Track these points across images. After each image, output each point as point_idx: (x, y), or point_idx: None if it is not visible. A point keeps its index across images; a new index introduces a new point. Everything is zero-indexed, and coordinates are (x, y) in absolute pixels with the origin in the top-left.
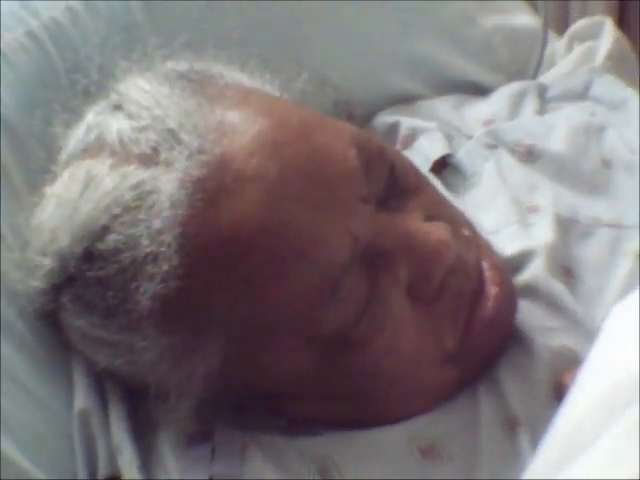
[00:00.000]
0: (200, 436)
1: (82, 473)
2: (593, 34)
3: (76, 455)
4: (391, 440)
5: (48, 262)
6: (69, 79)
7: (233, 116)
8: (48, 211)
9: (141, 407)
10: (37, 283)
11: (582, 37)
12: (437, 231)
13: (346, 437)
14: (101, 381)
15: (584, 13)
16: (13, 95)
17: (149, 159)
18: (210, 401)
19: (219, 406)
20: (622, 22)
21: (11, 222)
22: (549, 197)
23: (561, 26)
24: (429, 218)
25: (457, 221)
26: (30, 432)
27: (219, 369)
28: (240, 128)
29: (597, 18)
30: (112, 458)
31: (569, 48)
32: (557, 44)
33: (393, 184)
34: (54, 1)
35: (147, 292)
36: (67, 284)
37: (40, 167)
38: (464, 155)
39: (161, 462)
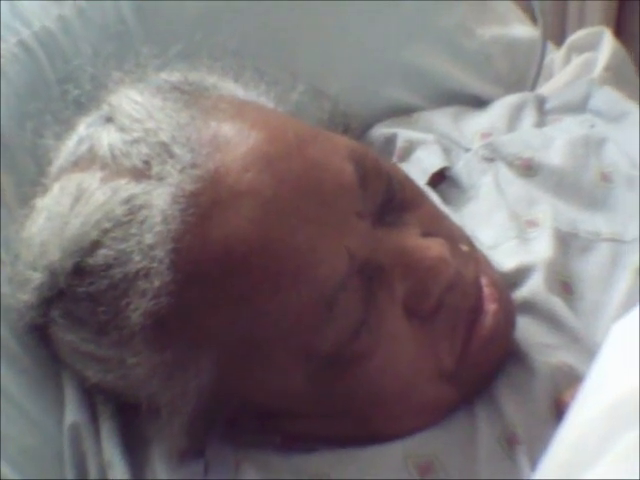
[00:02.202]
0: (193, 452)
1: None
2: (592, 45)
3: (66, 470)
4: (387, 458)
5: (38, 276)
6: (61, 89)
7: (227, 129)
8: (38, 224)
9: (133, 422)
10: (27, 297)
11: (580, 48)
12: (435, 247)
13: (342, 454)
14: (92, 395)
15: (581, 23)
16: (4, 106)
17: (141, 173)
18: (203, 417)
19: (212, 422)
20: (620, 32)
21: (2, 235)
22: (548, 211)
23: (558, 36)
24: (426, 233)
25: (455, 236)
26: (19, 446)
27: (212, 386)
28: (234, 142)
29: (596, 29)
30: (103, 474)
31: (567, 59)
32: (555, 55)
33: (390, 199)
34: (46, 10)
35: (138, 308)
36: (57, 298)
37: (31, 179)
38: (462, 168)
39: (153, 478)
